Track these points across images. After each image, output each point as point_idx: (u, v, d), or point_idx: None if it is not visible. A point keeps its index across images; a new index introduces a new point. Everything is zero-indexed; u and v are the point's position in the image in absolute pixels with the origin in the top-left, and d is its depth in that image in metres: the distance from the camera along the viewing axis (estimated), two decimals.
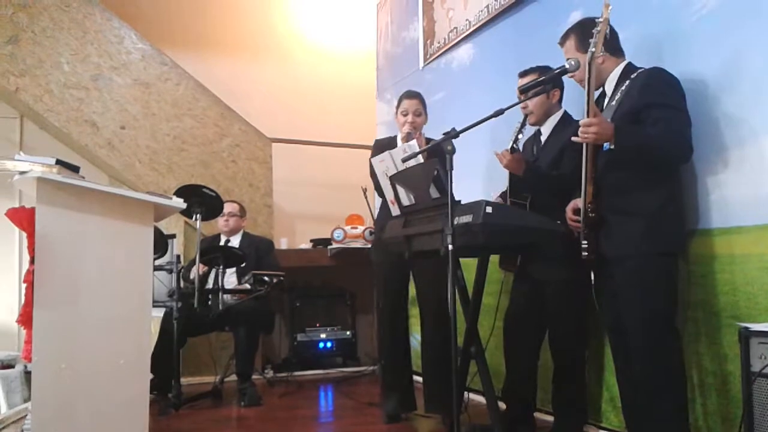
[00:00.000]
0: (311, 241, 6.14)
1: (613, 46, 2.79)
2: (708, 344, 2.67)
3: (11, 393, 4.99)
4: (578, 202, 2.77)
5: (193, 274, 4.49)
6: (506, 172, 3.23)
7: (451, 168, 2.66)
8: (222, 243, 4.96)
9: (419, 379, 3.83)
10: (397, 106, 3.80)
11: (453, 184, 2.64)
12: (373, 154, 3.63)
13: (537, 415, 3.49)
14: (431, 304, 3.61)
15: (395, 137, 3.86)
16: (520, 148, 3.32)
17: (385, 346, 3.86)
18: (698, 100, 2.71)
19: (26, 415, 3.52)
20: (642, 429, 2.70)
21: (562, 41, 2.93)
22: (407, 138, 3.60)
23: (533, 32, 3.86)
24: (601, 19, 2.56)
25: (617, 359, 2.85)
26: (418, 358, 4.17)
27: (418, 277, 3.72)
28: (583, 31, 2.78)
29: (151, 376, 2.61)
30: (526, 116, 3.29)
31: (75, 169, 2.58)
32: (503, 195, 3.33)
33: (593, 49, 2.55)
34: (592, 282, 2.79)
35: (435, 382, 3.63)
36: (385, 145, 3.68)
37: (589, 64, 2.57)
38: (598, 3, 2.62)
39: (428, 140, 3.60)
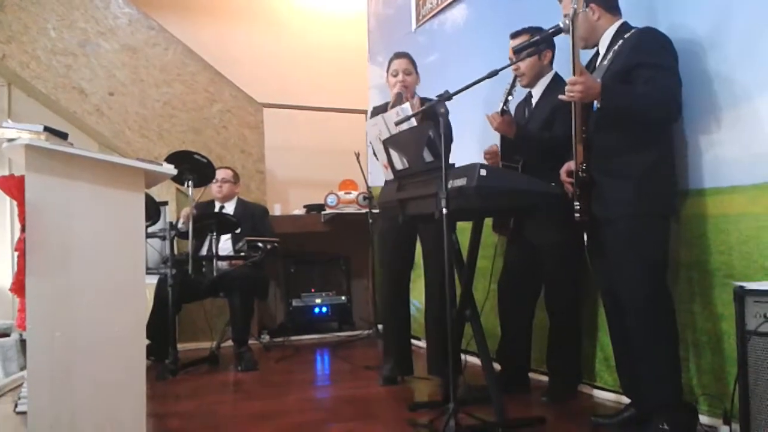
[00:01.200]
0: (305, 206, 6.13)
1: (609, 4, 2.76)
2: (702, 304, 2.69)
3: (7, 361, 5.00)
4: (572, 164, 2.76)
5: (182, 221, 4.46)
6: (498, 135, 3.21)
7: (446, 131, 2.64)
8: (216, 209, 4.94)
9: (417, 343, 3.85)
10: (387, 69, 3.75)
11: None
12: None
13: (532, 375, 3.52)
14: (435, 267, 3.60)
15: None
16: (511, 111, 3.29)
17: (388, 309, 3.87)
18: (691, 59, 2.68)
19: (22, 384, 3.53)
20: (635, 388, 2.73)
21: None
22: (398, 98, 3.55)
23: None
24: None
25: (610, 319, 2.86)
26: (415, 322, 4.20)
27: (424, 241, 3.71)
28: None
29: (147, 342, 2.61)
30: (515, 78, 3.26)
31: (63, 136, 2.54)
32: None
33: (575, 5, 2.52)
34: (585, 243, 2.79)
35: (437, 345, 3.64)
36: (381, 111, 3.64)
37: (573, 21, 2.54)
38: None
39: (423, 100, 3.55)
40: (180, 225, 4.51)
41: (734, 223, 2.56)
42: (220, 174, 4.91)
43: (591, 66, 2.65)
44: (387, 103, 3.73)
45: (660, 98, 2.54)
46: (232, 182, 5.01)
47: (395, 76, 3.66)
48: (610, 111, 2.56)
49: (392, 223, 3.66)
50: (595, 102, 2.63)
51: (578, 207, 2.71)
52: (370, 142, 3.57)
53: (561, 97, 2.60)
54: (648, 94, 2.53)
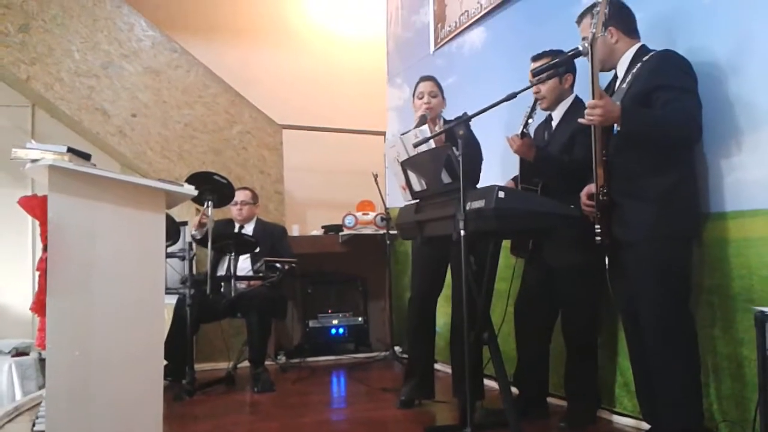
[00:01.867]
0: (323, 227, 6.14)
1: (628, 27, 2.77)
2: (723, 328, 2.65)
3: (26, 380, 5.04)
4: (593, 187, 2.75)
5: (195, 229, 4.48)
6: (518, 157, 3.21)
7: (470, 152, 2.65)
8: (236, 230, 4.97)
9: (437, 366, 3.81)
10: (413, 92, 3.76)
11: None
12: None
13: (550, 399, 3.48)
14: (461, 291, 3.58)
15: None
16: (531, 133, 3.29)
17: (415, 332, 3.85)
18: (712, 82, 2.67)
19: (41, 402, 3.55)
20: (656, 413, 2.70)
21: (579, 20, 2.91)
22: (421, 120, 3.56)
23: (546, 15, 3.82)
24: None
25: (631, 343, 2.84)
26: (437, 345, 4.18)
27: (454, 266, 3.69)
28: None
29: (165, 362, 2.62)
30: (536, 101, 3.26)
31: (86, 156, 2.57)
32: (515, 179, 3.31)
33: (594, 30, 2.53)
34: (606, 266, 2.78)
35: (461, 368, 3.62)
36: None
37: (591, 45, 2.54)
38: None
39: (446, 122, 3.56)
40: (193, 232, 4.53)
41: (755, 247, 2.54)
42: (239, 196, 4.93)
43: (610, 89, 2.66)
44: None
45: (680, 120, 2.54)
46: (252, 204, 5.03)
47: (420, 98, 3.66)
48: (631, 134, 2.55)
49: (423, 246, 3.64)
50: (615, 125, 2.63)
51: (599, 230, 2.70)
52: (388, 165, 3.58)
53: (581, 120, 2.60)
54: (668, 116, 2.52)
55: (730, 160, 2.64)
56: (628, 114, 2.51)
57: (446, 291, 3.77)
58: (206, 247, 4.19)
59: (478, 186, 2.75)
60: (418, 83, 3.75)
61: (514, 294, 3.40)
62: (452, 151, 2.71)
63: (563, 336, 3.27)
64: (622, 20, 2.74)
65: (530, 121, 3.21)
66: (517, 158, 3.23)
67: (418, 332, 3.81)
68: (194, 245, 4.48)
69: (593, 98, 2.53)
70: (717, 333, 2.68)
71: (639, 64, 2.68)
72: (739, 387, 2.58)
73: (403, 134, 3.46)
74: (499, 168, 4.02)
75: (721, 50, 2.69)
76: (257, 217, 5.12)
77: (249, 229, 5.00)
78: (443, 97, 3.72)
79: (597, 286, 3.10)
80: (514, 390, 3.33)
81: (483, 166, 3.53)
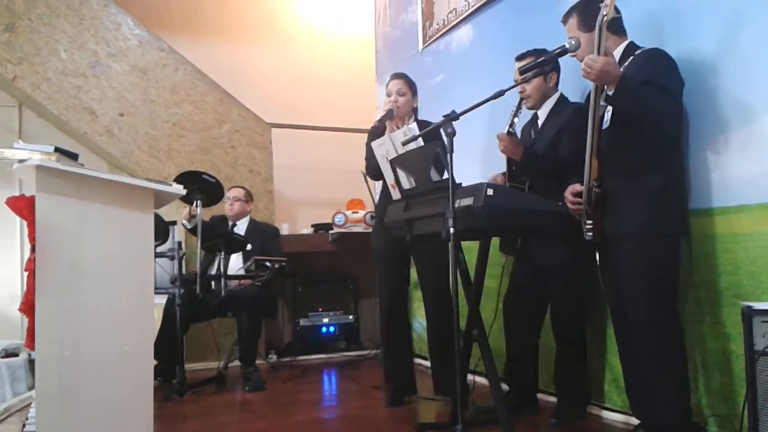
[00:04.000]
0: (312, 226, 6.13)
1: (615, 25, 2.77)
2: (711, 324, 2.67)
3: (16, 381, 5.01)
4: (577, 186, 2.77)
5: (185, 219, 4.49)
6: (505, 156, 3.22)
7: (452, 150, 2.66)
8: (229, 227, 4.97)
9: (424, 363, 3.82)
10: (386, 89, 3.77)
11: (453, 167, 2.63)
12: (369, 140, 3.61)
13: (540, 396, 3.50)
14: (432, 289, 3.60)
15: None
16: (517, 132, 3.31)
17: (385, 331, 3.86)
18: (699, 79, 2.69)
19: (31, 403, 3.54)
20: (644, 409, 2.71)
21: (565, 19, 2.91)
22: (388, 113, 3.59)
23: (533, 12, 3.83)
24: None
25: (620, 339, 2.86)
26: (421, 341, 4.18)
27: (418, 262, 3.70)
28: (585, 9, 2.76)
29: (155, 362, 2.62)
30: (521, 100, 3.27)
31: (74, 156, 2.57)
32: (504, 174, 3.31)
33: (604, 13, 2.51)
34: (597, 262, 2.79)
35: (441, 365, 3.63)
36: (375, 134, 3.62)
37: (600, 29, 2.53)
38: None
39: (422, 123, 3.57)
40: (184, 221, 4.54)
41: (741, 243, 2.55)
42: (231, 193, 4.98)
43: (600, 87, 2.65)
44: (375, 126, 3.70)
45: (663, 112, 2.55)
46: (244, 201, 5.03)
47: (389, 96, 3.68)
48: (618, 103, 2.55)
49: (384, 243, 3.66)
50: (605, 120, 2.64)
51: (590, 225, 2.71)
52: (367, 160, 3.60)
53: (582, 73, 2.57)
54: (654, 104, 2.53)
55: (717, 156, 2.66)
56: (625, 82, 2.49)
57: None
58: (196, 235, 4.19)
59: (462, 184, 2.75)
60: (389, 80, 3.76)
61: (503, 292, 3.42)
62: (441, 148, 2.71)
63: (553, 332, 3.29)
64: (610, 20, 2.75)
65: (516, 120, 3.22)
66: (501, 156, 3.24)
67: (390, 331, 3.81)
68: (183, 245, 4.47)
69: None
70: (705, 328, 2.70)
71: (629, 60, 2.69)
72: (728, 381, 2.60)
73: (380, 137, 3.46)
74: (479, 165, 4.03)
75: (708, 47, 2.71)
76: (250, 216, 5.11)
77: (242, 228, 5.00)
78: (414, 96, 3.72)
79: (586, 283, 3.12)
80: (505, 386, 3.34)
81: (467, 163, 3.54)
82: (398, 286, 3.79)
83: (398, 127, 3.53)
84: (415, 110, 3.75)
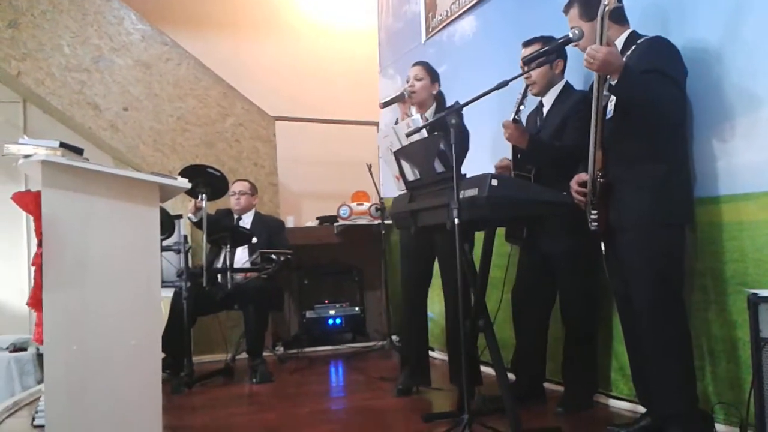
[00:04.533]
0: (317, 218, 6.15)
1: (617, 14, 2.76)
2: (717, 311, 2.67)
3: (24, 375, 5.06)
4: (583, 176, 2.76)
5: (190, 210, 4.52)
6: (510, 145, 3.22)
7: (458, 140, 2.66)
8: (235, 220, 4.98)
9: (433, 354, 3.84)
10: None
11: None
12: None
13: (547, 385, 3.51)
14: (452, 280, 3.61)
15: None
16: (522, 120, 3.30)
17: (406, 320, 3.88)
18: (704, 67, 2.68)
19: (40, 397, 3.56)
20: (651, 397, 2.72)
21: (566, 9, 2.90)
22: (399, 96, 3.64)
23: (536, 2, 3.81)
24: None
25: (626, 328, 2.85)
26: (431, 333, 4.20)
27: (439, 254, 3.71)
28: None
29: (162, 355, 2.63)
30: (527, 87, 3.26)
31: (79, 151, 2.58)
32: (510, 160, 3.31)
33: (606, 2, 2.50)
34: (603, 251, 2.79)
35: (457, 355, 3.65)
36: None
37: (602, 18, 2.53)
38: None
39: (445, 109, 3.60)
40: (190, 215, 4.58)
41: (748, 231, 2.55)
42: (237, 186, 4.99)
43: (603, 77, 2.64)
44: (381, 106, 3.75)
45: (665, 101, 2.55)
46: (249, 194, 5.04)
47: (407, 82, 3.70)
48: (621, 93, 2.54)
49: (410, 236, 3.68)
50: (609, 110, 2.64)
51: (594, 215, 2.71)
52: (381, 155, 3.62)
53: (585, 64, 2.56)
54: (660, 91, 2.52)
55: (723, 144, 2.65)
56: (627, 72, 2.48)
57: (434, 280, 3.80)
58: (202, 229, 4.20)
59: (466, 174, 2.75)
60: (410, 68, 3.78)
61: (509, 281, 3.42)
62: (445, 139, 2.71)
63: (562, 321, 3.29)
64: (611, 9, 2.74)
65: (521, 108, 3.21)
66: (508, 146, 3.24)
67: (410, 321, 3.85)
68: (189, 238, 4.49)
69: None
70: (711, 316, 2.70)
71: (632, 47, 2.68)
72: (734, 369, 2.60)
73: (395, 124, 3.48)
74: (489, 155, 4.03)
75: (712, 36, 2.69)
76: (255, 210, 5.12)
77: (247, 221, 5.01)
78: (434, 81, 3.73)
79: (592, 272, 3.12)
80: (511, 376, 3.35)
81: (473, 154, 3.54)
82: (424, 277, 3.82)
83: (410, 114, 3.54)
84: (436, 96, 3.75)
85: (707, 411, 2.65)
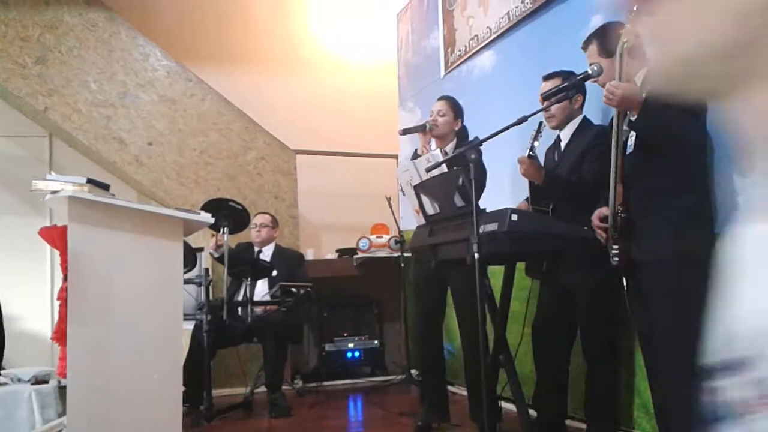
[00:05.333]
0: (337, 251, 6.16)
1: (636, 50, 2.78)
2: None
3: (46, 408, 5.06)
4: (604, 210, 2.76)
5: (212, 247, 4.57)
6: (527, 180, 3.23)
7: (476, 177, 2.67)
8: (255, 253, 5.01)
9: (453, 389, 3.82)
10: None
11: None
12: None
13: (569, 422, 3.46)
14: (468, 315, 3.60)
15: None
16: (538, 155, 3.31)
17: (422, 354, 3.87)
18: None
19: (61, 430, 3.57)
20: None
21: (585, 46, 2.93)
22: (421, 127, 3.69)
23: (554, 38, 3.85)
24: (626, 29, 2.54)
25: (648, 364, 2.82)
26: (450, 368, 4.17)
27: (454, 288, 3.71)
28: (604, 35, 2.78)
29: (183, 388, 2.64)
30: (540, 123, 3.27)
31: (105, 187, 2.63)
32: (527, 200, 3.32)
33: (625, 40, 2.53)
34: (624, 287, 2.77)
35: (476, 390, 3.62)
36: (413, 156, 3.71)
37: (620, 55, 2.55)
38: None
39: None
40: (211, 251, 4.61)
41: None
42: (258, 219, 5.05)
43: (623, 112, 2.65)
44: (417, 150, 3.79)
45: (689, 135, 2.54)
46: (270, 227, 5.09)
47: (430, 116, 3.76)
48: (642, 130, 2.54)
49: (423, 268, 3.69)
50: (629, 145, 2.64)
51: (616, 250, 2.70)
52: (401, 189, 3.65)
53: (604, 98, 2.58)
54: (681, 126, 2.51)
55: (743, 178, 2.64)
56: (647, 107, 2.48)
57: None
58: (223, 264, 4.24)
59: (486, 209, 2.77)
60: (435, 102, 3.83)
61: (530, 315, 3.40)
62: (465, 174, 2.73)
63: (583, 356, 3.25)
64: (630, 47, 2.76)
65: (536, 144, 3.22)
66: (525, 180, 3.25)
67: (425, 357, 3.83)
68: (210, 271, 4.52)
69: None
70: None
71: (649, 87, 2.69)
72: None
73: (414, 159, 3.50)
74: (508, 190, 4.03)
75: None
76: (276, 242, 5.15)
77: (267, 253, 5.04)
78: (457, 117, 3.78)
79: (614, 308, 3.09)
80: (533, 412, 3.31)
81: (492, 189, 3.56)
82: (437, 310, 3.81)
83: (428, 147, 3.58)
84: (458, 132, 3.79)
85: None
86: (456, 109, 3.79)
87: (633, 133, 2.65)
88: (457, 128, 3.78)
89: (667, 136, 2.53)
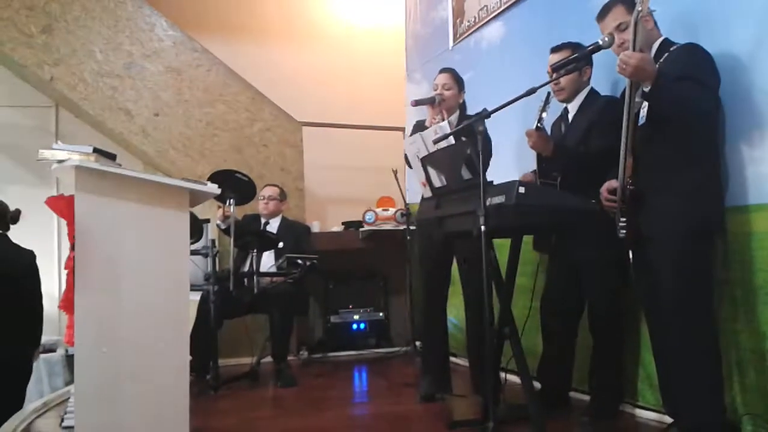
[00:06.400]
0: (343, 223, 6.17)
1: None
2: (746, 322, 2.64)
3: (54, 376, 5.13)
4: (613, 183, 2.74)
5: (219, 218, 4.61)
6: (534, 152, 3.21)
7: (483, 148, 2.65)
8: (262, 225, 5.02)
9: (455, 360, 3.83)
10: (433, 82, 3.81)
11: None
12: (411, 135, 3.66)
13: (572, 394, 3.48)
14: (473, 286, 3.60)
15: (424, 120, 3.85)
16: (545, 127, 3.28)
17: (426, 325, 3.88)
18: (734, 73, 2.65)
19: (69, 398, 3.61)
20: (678, 407, 2.69)
21: (603, 14, 2.86)
22: (430, 99, 3.65)
23: (564, 8, 3.81)
24: None
25: (654, 337, 2.83)
26: (453, 339, 4.19)
27: (458, 260, 3.72)
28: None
29: (189, 358, 2.66)
30: (548, 94, 3.23)
31: (112, 156, 2.62)
32: (535, 172, 3.30)
33: (639, 8, 2.49)
34: (630, 260, 2.77)
35: (479, 363, 3.64)
36: (420, 127, 3.69)
37: (635, 24, 2.52)
38: None
39: (467, 116, 3.61)
40: (218, 222, 4.66)
41: None
42: (266, 191, 5.05)
43: (635, 83, 2.62)
44: (422, 120, 3.77)
45: (702, 107, 2.52)
46: (278, 199, 5.09)
47: (435, 90, 3.72)
48: (656, 101, 2.52)
49: (429, 241, 3.69)
50: (641, 116, 2.62)
51: (623, 223, 2.69)
52: (407, 159, 3.63)
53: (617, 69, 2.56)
54: (694, 98, 2.50)
55: (753, 152, 2.62)
56: (661, 78, 2.46)
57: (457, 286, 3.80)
58: (230, 236, 4.25)
59: (493, 182, 2.75)
60: (437, 74, 3.78)
61: (537, 290, 3.40)
62: (472, 146, 2.72)
63: (590, 329, 3.26)
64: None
65: (544, 115, 3.19)
66: (532, 153, 3.23)
67: (429, 328, 3.84)
68: (217, 242, 4.53)
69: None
70: (740, 326, 2.67)
71: (665, 56, 2.66)
72: (763, 380, 2.57)
73: (422, 131, 3.48)
74: (514, 162, 4.02)
75: (742, 44, 2.67)
76: (283, 215, 5.16)
77: (274, 226, 5.05)
78: (461, 90, 3.75)
79: (621, 281, 3.09)
80: (537, 384, 3.33)
81: (499, 161, 3.54)
82: (442, 282, 3.81)
83: (436, 119, 3.56)
84: (461, 105, 3.77)
85: (735, 422, 2.61)
86: (459, 82, 3.76)
87: (645, 105, 2.62)
88: (461, 101, 3.76)
89: (681, 108, 2.50)
